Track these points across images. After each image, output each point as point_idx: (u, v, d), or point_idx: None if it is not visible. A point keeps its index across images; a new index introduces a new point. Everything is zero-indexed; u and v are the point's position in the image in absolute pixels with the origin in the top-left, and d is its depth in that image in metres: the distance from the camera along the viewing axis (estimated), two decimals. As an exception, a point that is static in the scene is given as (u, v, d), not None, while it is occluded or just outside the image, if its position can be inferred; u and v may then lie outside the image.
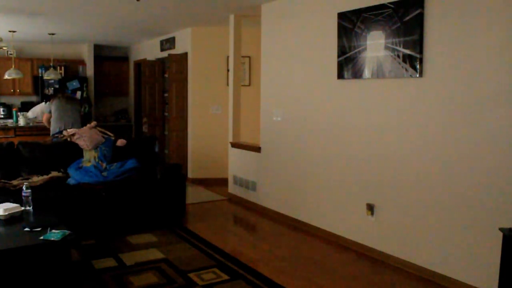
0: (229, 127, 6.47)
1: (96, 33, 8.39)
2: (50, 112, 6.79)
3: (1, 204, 3.68)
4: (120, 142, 5.50)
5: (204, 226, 5.18)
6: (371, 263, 4.05)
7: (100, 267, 3.86)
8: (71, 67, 9.72)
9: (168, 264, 3.93)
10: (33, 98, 9.47)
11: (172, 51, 8.17)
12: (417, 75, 3.68)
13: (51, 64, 8.51)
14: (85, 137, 5.22)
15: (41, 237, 3.10)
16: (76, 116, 6.79)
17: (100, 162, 5.14)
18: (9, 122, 8.66)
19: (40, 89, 9.29)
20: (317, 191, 4.86)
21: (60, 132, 6.01)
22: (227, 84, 6.83)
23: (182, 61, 7.79)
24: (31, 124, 8.48)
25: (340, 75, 4.44)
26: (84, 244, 4.38)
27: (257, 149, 5.84)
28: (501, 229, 2.77)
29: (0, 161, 4.95)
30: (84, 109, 8.68)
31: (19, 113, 8.57)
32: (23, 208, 3.75)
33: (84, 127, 5.49)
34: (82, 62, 9.84)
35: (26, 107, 9.12)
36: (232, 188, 6.48)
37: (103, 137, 5.42)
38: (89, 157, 5.17)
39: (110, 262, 3.97)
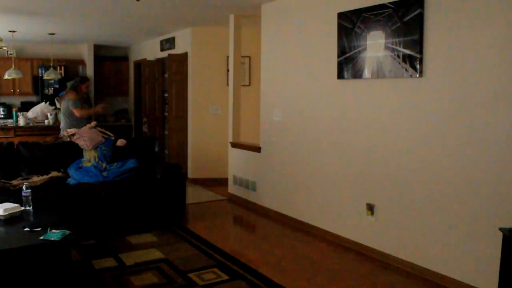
0: (229, 127, 6.47)
1: (96, 33, 8.39)
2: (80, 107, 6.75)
3: (1, 204, 3.68)
4: (120, 142, 5.50)
5: (204, 226, 5.18)
6: (371, 263, 4.05)
7: (100, 267, 3.86)
8: (71, 67, 9.72)
9: (168, 264, 3.93)
10: (33, 98, 9.47)
11: (172, 51, 8.17)
12: (417, 75, 3.68)
13: (51, 64, 8.49)
14: (85, 137, 5.22)
15: (41, 237, 3.10)
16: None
17: (100, 162, 5.14)
18: (9, 122, 8.66)
19: (40, 89, 9.28)
20: (317, 191, 4.86)
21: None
22: (227, 84, 6.83)
23: (182, 61, 7.78)
24: (31, 124, 8.49)
25: (340, 75, 4.44)
26: (84, 244, 4.38)
27: (257, 149, 5.84)
28: (501, 229, 2.77)
29: (0, 161, 4.95)
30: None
31: (19, 113, 8.58)
32: (23, 208, 3.75)
33: (84, 127, 5.49)
34: (82, 62, 9.84)
35: (26, 107, 9.13)
36: (232, 188, 6.48)
37: (103, 137, 5.42)
38: (89, 157, 5.17)
39: (110, 262, 3.97)
